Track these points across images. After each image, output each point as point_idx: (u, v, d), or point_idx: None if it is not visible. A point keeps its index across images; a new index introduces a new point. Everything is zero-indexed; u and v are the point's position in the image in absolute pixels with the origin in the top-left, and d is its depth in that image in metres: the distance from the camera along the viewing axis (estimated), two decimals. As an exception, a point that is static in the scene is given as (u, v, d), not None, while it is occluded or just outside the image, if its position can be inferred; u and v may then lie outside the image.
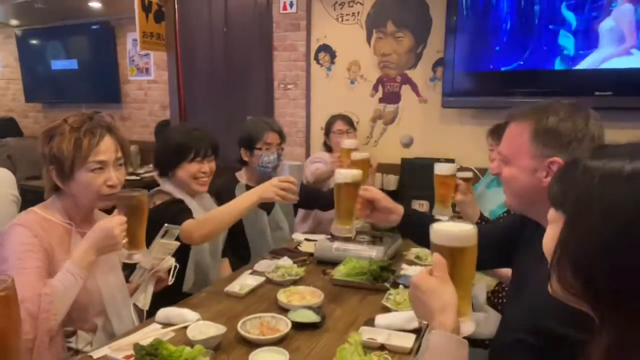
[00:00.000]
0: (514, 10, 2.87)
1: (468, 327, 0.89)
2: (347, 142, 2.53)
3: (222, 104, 3.89)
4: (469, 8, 2.96)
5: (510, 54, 2.91)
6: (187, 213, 1.70)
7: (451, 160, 3.18)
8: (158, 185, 1.89)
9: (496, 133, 2.16)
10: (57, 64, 5.32)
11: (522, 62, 2.89)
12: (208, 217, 1.65)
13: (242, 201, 1.64)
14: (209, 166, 1.88)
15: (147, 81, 4.88)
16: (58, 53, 5.28)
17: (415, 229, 1.46)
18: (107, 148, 1.33)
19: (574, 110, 1.04)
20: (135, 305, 1.45)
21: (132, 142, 4.72)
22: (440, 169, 1.85)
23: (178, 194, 1.83)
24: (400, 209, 1.47)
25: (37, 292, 1.17)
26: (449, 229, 0.91)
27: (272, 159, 2.23)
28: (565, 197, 0.65)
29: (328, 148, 3.08)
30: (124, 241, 1.29)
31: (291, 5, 3.56)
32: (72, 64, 5.23)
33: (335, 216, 1.54)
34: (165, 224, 1.45)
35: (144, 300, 1.42)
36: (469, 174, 2.06)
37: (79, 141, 1.29)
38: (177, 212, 1.68)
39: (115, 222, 1.28)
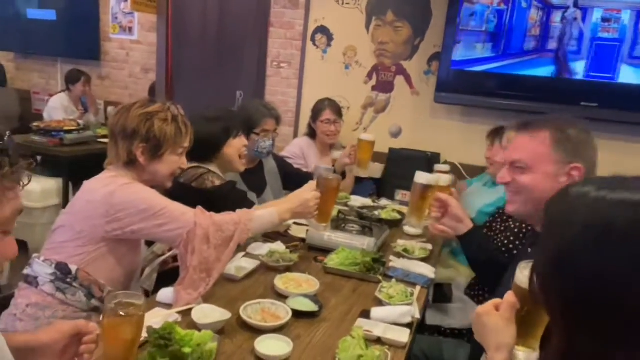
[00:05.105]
0: (512, 16, 2.92)
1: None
2: (365, 136, 2.74)
3: (211, 74, 3.80)
4: (470, 7, 2.99)
5: (505, 58, 2.97)
6: (248, 204, 1.77)
7: (436, 155, 3.26)
8: None
9: (498, 135, 2.25)
10: (33, 13, 5.02)
11: (515, 67, 2.96)
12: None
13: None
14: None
15: (130, 41, 4.68)
16: (34, 1, 4.99)
17: (474, 247, 1.58)
18: (190, 138, 1.54)
19: (580, 122, 1.25)
20: (141, 287, 1.49)
21: (110, 103, 4.67)
22: (420, 177, 1.89)
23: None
24: (469, 222, 1.57)
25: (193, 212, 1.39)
26: None
27: (268, 144, 2.28)
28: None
29: (312, 131, 2.96)
30: (315, 212, 1.64)
31: (291, -19, 3.49)
32: (49, 14, 4.95)
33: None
34: None
35: (149, 281, 1.43)
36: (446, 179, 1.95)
37: (179, 130, 1.49)
38: (238, 200, 1.77)
39: (312, 195, 1.62)
